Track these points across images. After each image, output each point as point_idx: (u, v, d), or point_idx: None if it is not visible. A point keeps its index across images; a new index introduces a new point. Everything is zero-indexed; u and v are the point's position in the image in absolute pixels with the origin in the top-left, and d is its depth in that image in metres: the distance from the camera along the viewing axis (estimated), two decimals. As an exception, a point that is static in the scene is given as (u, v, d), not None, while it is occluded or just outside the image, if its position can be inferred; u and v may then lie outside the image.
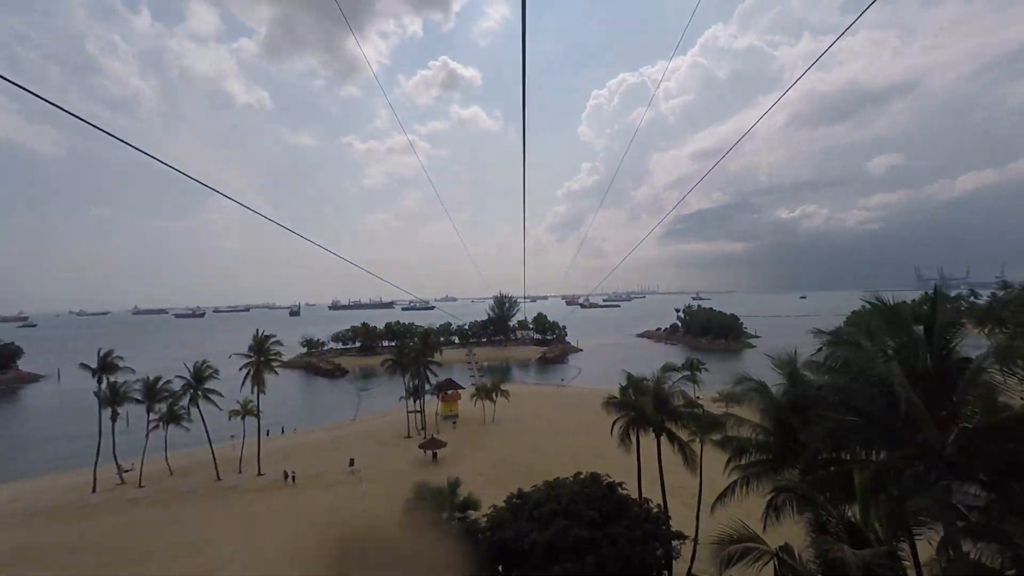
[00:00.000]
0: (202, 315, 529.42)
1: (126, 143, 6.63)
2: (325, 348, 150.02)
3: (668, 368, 27.44)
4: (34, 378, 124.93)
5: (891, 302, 13.28)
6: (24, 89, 5.19)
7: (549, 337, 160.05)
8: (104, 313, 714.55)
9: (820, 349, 14.18)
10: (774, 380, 17.97)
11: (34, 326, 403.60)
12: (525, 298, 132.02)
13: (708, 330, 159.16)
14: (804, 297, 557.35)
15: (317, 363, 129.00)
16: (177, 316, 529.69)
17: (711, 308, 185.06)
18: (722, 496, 17.30)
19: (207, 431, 47.85)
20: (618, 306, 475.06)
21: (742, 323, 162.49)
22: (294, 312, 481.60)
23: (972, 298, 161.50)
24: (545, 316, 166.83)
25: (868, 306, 13.61)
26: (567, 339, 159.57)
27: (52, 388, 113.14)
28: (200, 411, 48.23)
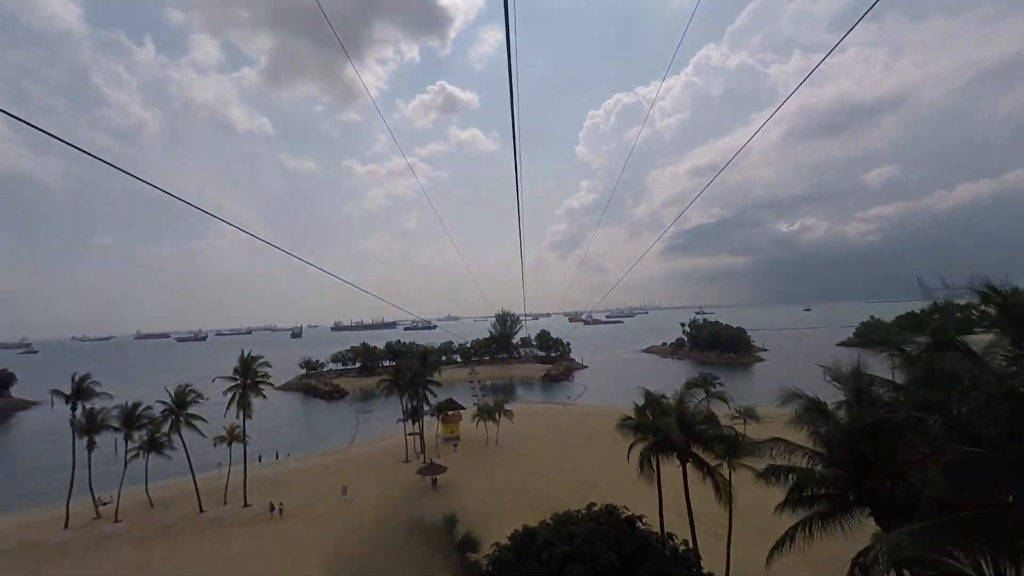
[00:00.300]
0: (204, 338, 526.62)
1: (128, 173, 6.72)
2: (324, 369, 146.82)
3: (692, 385, 24.45)
4: (26, 405, 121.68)
5: (1009, 290, 10.37)
6: (27, 123, 5.27)
7: (553, 354, 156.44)
8: (107, 338, 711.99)
9: (919, 353, 11.14)
10: (826, 395, 15.05)
11: (36, 352, 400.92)
12: (526, 316, 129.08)
13: (715, 344, 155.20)
14: (808, 309, 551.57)
15: (316, 385, 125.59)
16: (179, 340, 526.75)
17: (717, 321, 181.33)
18: (780, 544, 14.11)
19: (189, 460, 44.65)
20: (621, 322, 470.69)
21: (749, 336, 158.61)
22: (296, 334, 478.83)
23: (982, 306, 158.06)
24: (548, 333, 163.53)
25: (978, 295, 10.68)
26: (571, 356, 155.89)
27: (43, 415, 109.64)
28: (182, 438, 45.11)
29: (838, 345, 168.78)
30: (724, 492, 21.88)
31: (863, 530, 13.18)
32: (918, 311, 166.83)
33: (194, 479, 44.25)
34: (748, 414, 53.03)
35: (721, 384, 51.97)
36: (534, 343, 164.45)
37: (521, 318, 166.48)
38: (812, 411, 14.47)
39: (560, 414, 79.63)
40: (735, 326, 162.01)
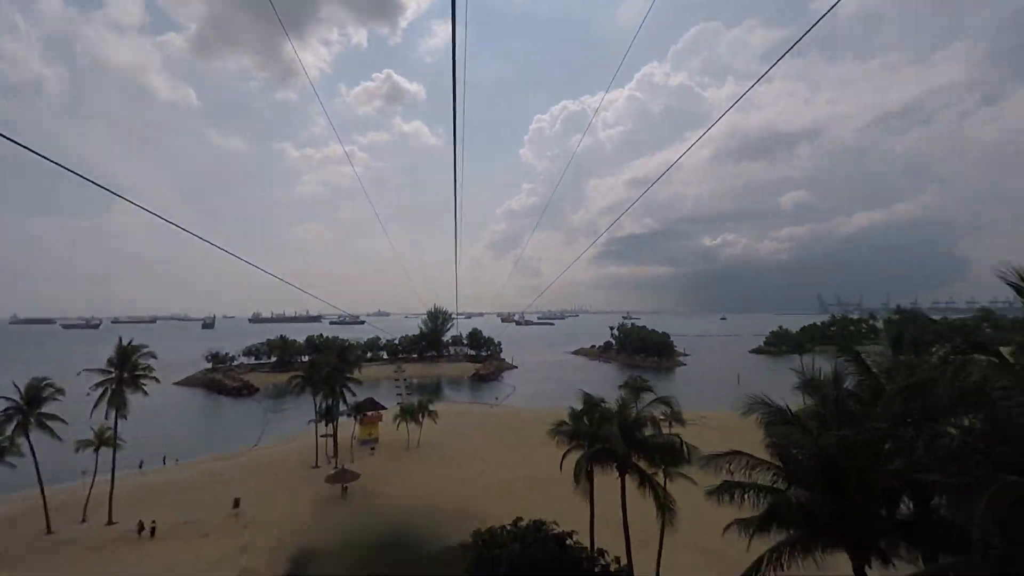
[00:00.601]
0: (97, 325, 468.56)
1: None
2: (235, 363, 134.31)
3: (635, 387, 22.45)
4: None
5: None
6: None
7: (484, 353, 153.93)
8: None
9: (947, 354, 9.45)
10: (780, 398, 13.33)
11: None
12: (458, 314, 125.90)
13: (642, 348, 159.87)
14: (724, 318, 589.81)
15: (221, 380, 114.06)
16: (65, 327, 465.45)
17: (644, 326, 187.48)
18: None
19: (38, 469, 36.85)
20: (552, 324, 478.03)
21: (672, 341, 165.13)
22: (208, 324, 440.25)
23: (872, 320, 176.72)
24: (480, 332, 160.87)
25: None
26: (502, 355, 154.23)
27: None
28: (30, 442, 37.20)
29: (750, 352, 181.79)
30: (665, 506, 20.00)
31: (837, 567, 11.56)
32: (819, 323, 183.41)
33: (42, 492, 36.54)
34: (675, 418, 53.31)
35: (651, 387, 51.64)
36: (465, 342, 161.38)
37: (453, 316, 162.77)
38: (781, 423, 12.68)
39: (487, 415, 76.97)
40: (660, 331, 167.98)
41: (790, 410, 13.05)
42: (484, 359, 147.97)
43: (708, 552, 25.84)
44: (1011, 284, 8.72)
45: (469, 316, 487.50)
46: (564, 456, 22.89)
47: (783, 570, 11.43)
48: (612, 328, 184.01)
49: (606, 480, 23.44)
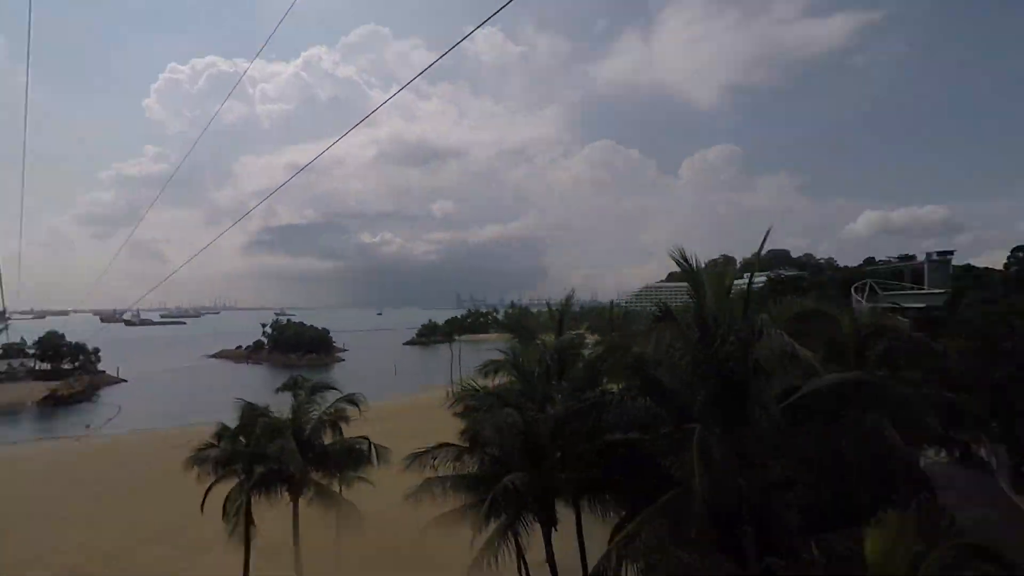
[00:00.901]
0: None
1: None
2: None
3: (316, 388, 18.61)
4: None
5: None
6: None
7: (67, 367, 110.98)
8: None
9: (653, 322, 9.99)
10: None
11: None
12: (8, 313, 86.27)
13: (299, 345, 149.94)
14: (380, 313, 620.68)
15: None
16: None
17: (301, 322, 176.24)
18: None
19: None
20: (183, 323, 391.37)
21: (332, 337, 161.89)
22: None
23: (495, 313, 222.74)
24: (62, 336, 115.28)
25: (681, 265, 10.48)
26: (101, 367, 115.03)
27: None
28: None
29: (404, 344, 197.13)
30: (352, 522, 17.16)
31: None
32: (458, 316, 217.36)
33: None
34: (339, 415, 50.65)
35: (334, 386, 47.51)
36: (32, 352, 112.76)
37: (7, 316, 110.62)
38: (487, 407, 12.16)
39: (68, 454, 54.73)
40: (319, 327, 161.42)
41: (500, 394, 12.91)
42: (67, 374, 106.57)
43: (396, 553, 24.40)
44: (676, 260, 10.66)
45: (43, 316, 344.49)
46: (208, 490, 16.93)
47: (496, 561, 10.94)
48: (264, 325, 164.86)
49: (266, 507, 18.80)
